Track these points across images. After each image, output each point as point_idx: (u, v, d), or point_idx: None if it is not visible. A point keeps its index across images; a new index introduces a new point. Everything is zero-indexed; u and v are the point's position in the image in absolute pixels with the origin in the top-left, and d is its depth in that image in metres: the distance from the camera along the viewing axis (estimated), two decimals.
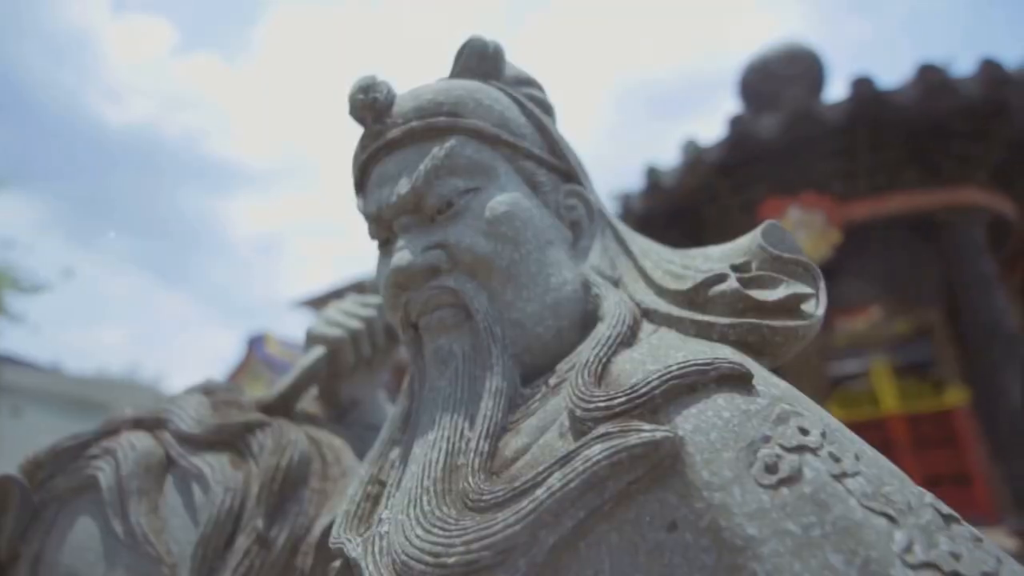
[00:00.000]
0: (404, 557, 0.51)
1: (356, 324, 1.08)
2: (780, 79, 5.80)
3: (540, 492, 0.49)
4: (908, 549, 0.42)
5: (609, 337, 0.61)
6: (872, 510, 0.44)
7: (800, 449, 0.47)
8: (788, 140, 4.67)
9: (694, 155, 5.11)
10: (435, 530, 0.52)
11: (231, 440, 0.92)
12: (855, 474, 0.46)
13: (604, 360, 0.59)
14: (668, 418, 0.51)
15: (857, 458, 0.48)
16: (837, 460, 0.46)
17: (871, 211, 4.82)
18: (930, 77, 4.36)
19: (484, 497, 0.52)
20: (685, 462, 0.48)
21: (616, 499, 0.48)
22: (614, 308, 0.66)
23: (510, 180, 0.73)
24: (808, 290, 0.62)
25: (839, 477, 0.45)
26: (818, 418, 0.51)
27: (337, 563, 0.64)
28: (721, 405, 0.50)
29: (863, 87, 4.49)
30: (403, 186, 0.70)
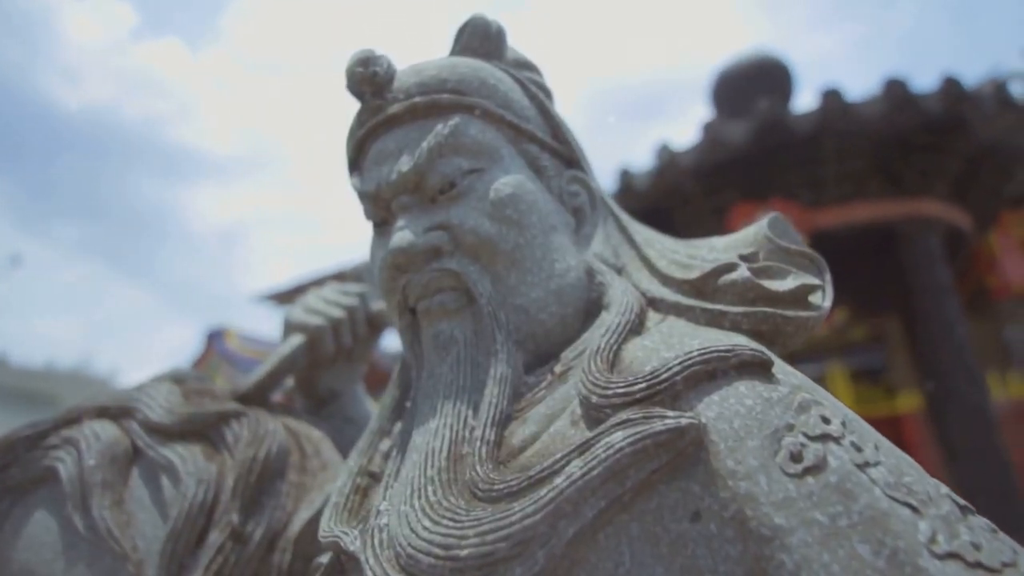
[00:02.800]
0: (410, 550, 0.49)
1: (338, 313, 1.04)
2: (750, 87, 5.92)
3: (559, 480, 0.47)
4: (933, 539, 0.42)
5: (619, 325, 0.60)
6: (896, 500, 0.43)
7: (824, 438, 0.46)
8: (759, 147, 4.76)
9: (667, 159, 5.16)
10: (444, 521, 0.49)
11: (204, 430, 0.87)
12: (877, 463, 0.46)
13: (615, 347, 0.57)
14: (689, 405, 0.50)
15: (876, 447, 0.48)
16: (859, 449, 0.46)
17: (836, 219, 4.95)
18: (895, 92, 4.50)
19: (496, 487, 0.50)
20: (709, 450, 0.47)
21: (637, 488, 0.47)
22: (621, 296, 0.64)
23: (514, 162, 0.71)
24: (816, 281, 0.62)
25: (862, 466, 0.45)
26: (837, 407, 0.50)
27: (324, 559, 0.61)
28: (743, 392, 0.49)
29: (832, 99, 4.60)
30: (404, 164, 0.67)
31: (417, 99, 0.69)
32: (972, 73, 4.60)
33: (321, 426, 1.01)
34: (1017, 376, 6.52)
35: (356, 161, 0.75)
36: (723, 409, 0.48)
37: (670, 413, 0.48)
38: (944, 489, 0.47)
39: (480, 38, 0.77)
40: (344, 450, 0.98)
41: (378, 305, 1.12)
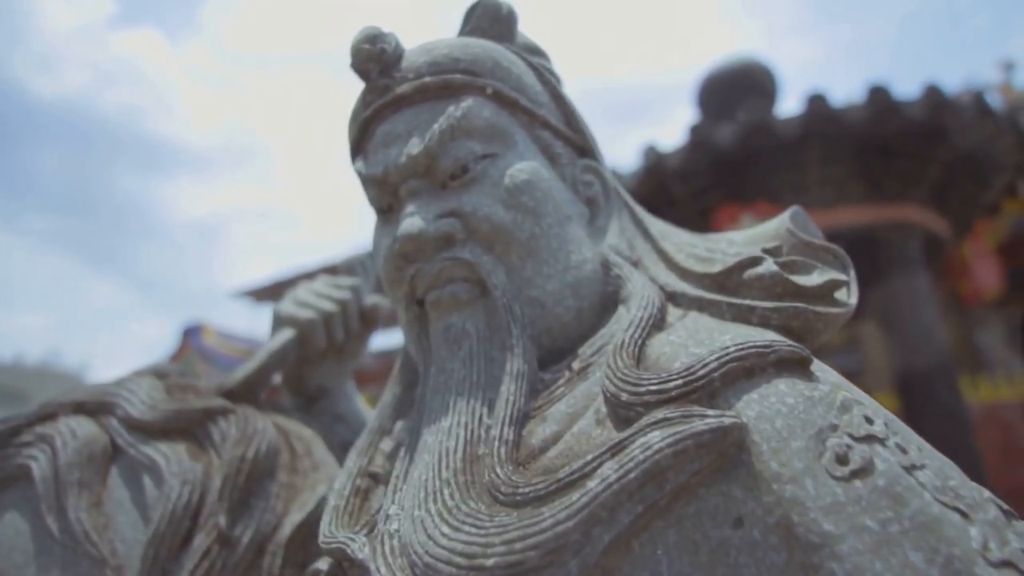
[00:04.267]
0: (428, 558, 0.45)
1: (330, 306, 1.00)
2: (736, 91, 5.97)
3: (593, 484, 0.44)
4: (986, 546, 0.40)
5: (642, 319, 0.57)
6: (946, 505, 0.41)
7: (869, 439, 0.44)
8: (744, 150, 4.79)
9: (654, 160, 5.18)
10: (466, 527, 0.46)
11: (189, 428, 0.83)
12: (923, 466, 0.44)
13: (640, 343, 0.54)
14: (727, 403, 0.47)
15: (920, 449, 0.46)
16: (904, 451, 0.44)
17: (819, 223, 4.97)
18: (878, 98, 4.56)
19: (520, 490, 0.47)
20: (751, 451, 0.44)
21: (675, 492, 0.44)
22: (641, 290, 0.62)
23: (528, 148, 0.69)
24: (843, 277, 0.60)
25: (909, 469, 0.43)
26: (876, 406, 0.49)
27: (323, 565, 0.57)
28: (783, 391, 0.47)
29: (816, 103, 4.65)
30: (414, 146, 0.64)
31: (428, 79, 0.66)
32: (949, 83, 4.68)
33: (311, 424, 0.97)
34: (987, 380, 6.67)
35: (360, 144, 0.71)
36: (764, 408, 0.46)
37: (710, 412, 0.46)
38: (987, 493, 0.45)
39: (491, 19, 0.73)
40: (334, 449, 0.94)
41: (371, 299, 1.08)
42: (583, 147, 0.77)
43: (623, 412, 0.50)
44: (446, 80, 0.66)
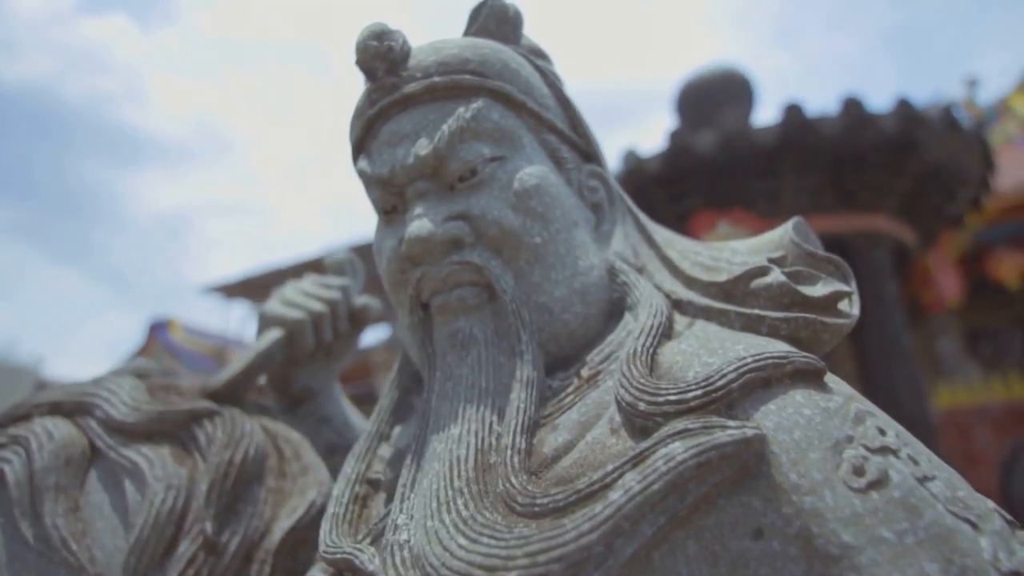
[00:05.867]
0: (445, 571, 0.44)
1: (319, 307, 0.98)
2: (715, 99, 6.04)
3: (616, 496, 0.43)
4: (996, 556, 0.41)
5: (652, 327, 0.57)
6: (957, 515, 0.42)
7: (883, 451, 0.45)
8: (723, 157, 4.86)
9: (634, 164, 5.22)
10: (484, 539, 0.45)
11: (173, 430, 0.80)
12: (934, 477, 0.45)
13: (651, 351, 0.54)
14: (745, 414, 0.47)
15: (929, 460, 0.47)
16: (916, 463, 0.45)
17: None
18: (853, 111, 4.67)
19: (538, 501, 0.46)
20: (770, 463, 0.44)
21: (695, 504, 0.43)
22: (648, 298, 0.61)
23: (535, 152, 0.68)
24: (847, 288, 0.60)
25: (922, 480, 0.44)
26: (887, 418, 0.49)
27: (322, 574, 0.55)
28: (800, 402, 0.47)
29: (793, 113, 4.74)
30: (423, 147, 0.63)
31: (437, 78, 0.65)
32: (916, 98, 4.82)
33: (296, 426, 0.94)
34: (947, 386, 6.89)
35: (363, 142, 0.69)
36: (782, 419, 0.46)
37: (731, 423, 0.45)
38: (991, 504, 0.46)
39: (498, 20, 0.73)
40: (319, 452, 0.92)
41: (361, 300, 1.06)
42: (588, 152, 0.76)
43: (639, 422, 0.49)
44: (455, 80, 0.65)
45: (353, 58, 0.66)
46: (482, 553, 0.44)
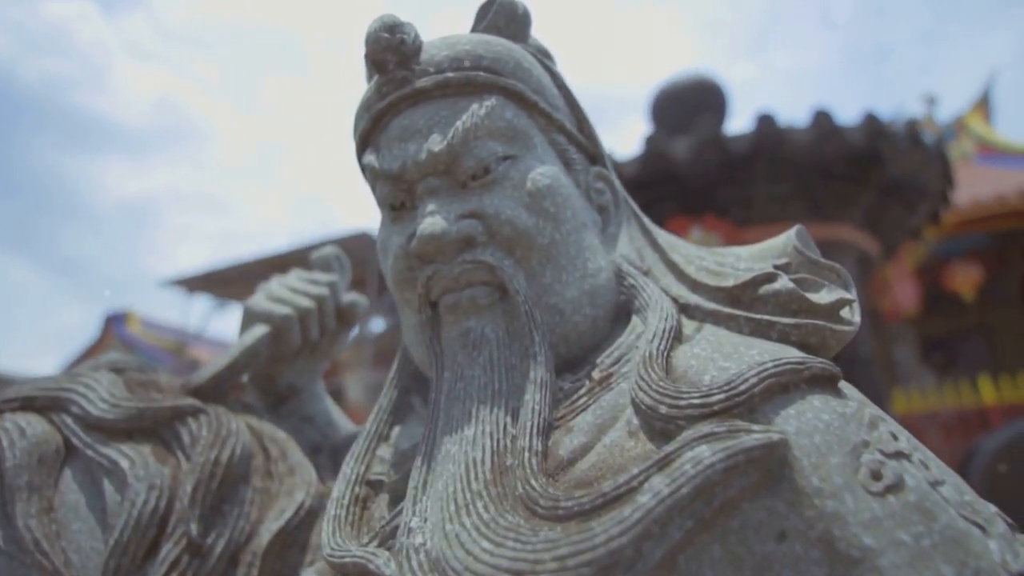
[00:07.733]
0: (469, 575, 0.43)
1: (306, 303, 0.95)
2: (689, 106, 6.13)
3: (645, 499, 0.43)
4: (1004, 559, 0.42)
5: (664, 331, 0.57)
6: (967, 519, 0.43)
7: (898, 455, 0.46)
8: (697, 164, 4.93)
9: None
10: (509, 543, 0.44)
11: (154, 428, 0.77)
12: (943, 482, 0.46)
13: (666, 354, 0.54)
14: (766, 418, 0.48)
15: (938, 465, 0.48)
16: (927, 467, 0.46)
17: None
18: (822, 123, 4.79)
19: (561, 504, 0.46)
20: (793, 467, 0.45)
21: (720, 507, 0.44)
22: (657, 301, 0.62)
23: (545, 152, 0.68)
24: (850, 296, 0.61)
25: (934, 485, 0.45)
26: (896, 423, 0.50)
27: None
28: (818, 407, 0.48)
29: (766, 123, 4.84)
30: (435, 143, 0.61)
31: (450, 74, 0.64)
32: (880, 113, 5.00)
33: (280, 425, 0.92)
34: (902, 393, 7.14)
35: (370, 135, 0.68)
36: (802, 424, 0.47)
37: (755, 427, 0.46)
38: (993, 508, 0.47)
39: (506, 18, 0.72)
40: (303, 451, 0.89)
41: (348, 297, 1.04)
42: (594, 154, 0.76)
43: (660, 425, 0.49)
44: (468, 77, 0.64)
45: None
46: (508, 557, 0.44)
